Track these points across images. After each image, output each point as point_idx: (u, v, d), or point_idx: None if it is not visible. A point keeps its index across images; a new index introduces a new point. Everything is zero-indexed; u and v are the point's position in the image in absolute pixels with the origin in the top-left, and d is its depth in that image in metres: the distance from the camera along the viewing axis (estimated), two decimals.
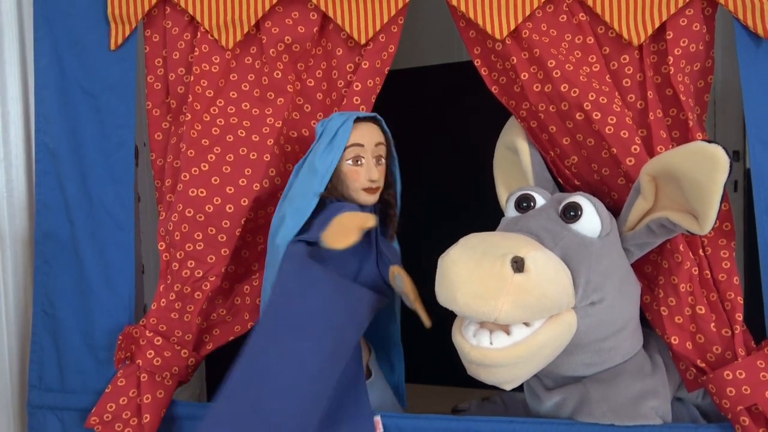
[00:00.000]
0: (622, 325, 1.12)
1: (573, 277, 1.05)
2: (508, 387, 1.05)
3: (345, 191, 1.20)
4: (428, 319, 1.10)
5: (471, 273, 0.97)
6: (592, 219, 1.10)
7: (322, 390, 1.07)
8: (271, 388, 1.04)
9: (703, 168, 0.97)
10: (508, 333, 1.01)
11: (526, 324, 1.02)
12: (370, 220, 1.08)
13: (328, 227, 1.08)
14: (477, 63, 1.32)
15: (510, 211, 1.22)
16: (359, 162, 1.19)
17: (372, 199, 1.21)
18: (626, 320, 1.13)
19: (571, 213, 1.11)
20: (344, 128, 1.18)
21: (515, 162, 1.35)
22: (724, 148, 0.97)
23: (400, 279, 1.11)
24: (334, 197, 1.20)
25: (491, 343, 1.00)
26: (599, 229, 1.10)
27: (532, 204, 1.19)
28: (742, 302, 1.14)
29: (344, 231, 1.06)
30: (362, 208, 1.21)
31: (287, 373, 1.06)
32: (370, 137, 1.20)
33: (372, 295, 1.15)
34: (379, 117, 1.25)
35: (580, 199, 1.12)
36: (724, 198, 1.05)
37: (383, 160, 1.23)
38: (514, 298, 0.96)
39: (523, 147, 1.31)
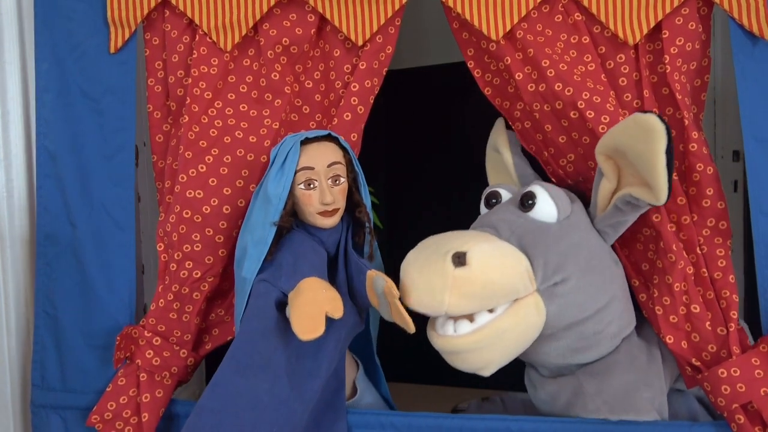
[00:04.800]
0: (601, 305, 1.12)
1: (531, 262, 1.10)
2: (485, 373, 1.10)
3: (303, 216, 1.19)
4: (410, 323, 1.05)
5: (419, 273, 1.06)
6: (546, 204, 1.15)
7: (278, 430, 1.09)
8: (230, 422, 1.07)
9: (642, 138, 1.01)
10: (471, 321, 1.07)
11: (491, 311, 1.07)
12: (336, 310, 1.04)
13: (294, 311, 1.04)
14: (470, 65, 1.33)
15: (482, 209, 1.28)
16: (311, 185, 1.15)
17: (330, 222, 1.17)
18: (604, 301, 1.13)
19: (529, 202, 1.16)
20: (293, 152, 1.15)
21: (502, 162, 1.40)
22: (659, 116, 1.00)
23: (380, 280, 1.07)
24: (300, 222, 1.20)
25: (455, 331, 1.07)
26: (555, 213, 1.15)
27: (499, 200, 1.25)
28: (737, 300, 1.13)
29: (312, 322, 1.02)
30: (324, 231, 1.19)
31: (244, 409, 1.08)
32: (321, 158, 1.15)
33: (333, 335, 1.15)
34: (334, 134, 1.20)
35: (535, 187, 1.18)
36: (674, 168, 1.06)
37: (342, 180, 1.17)
38: (458, 290, 1.03)
39: (504, 146, 1.38)
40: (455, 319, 1.08)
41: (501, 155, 1.39)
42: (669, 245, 1.14)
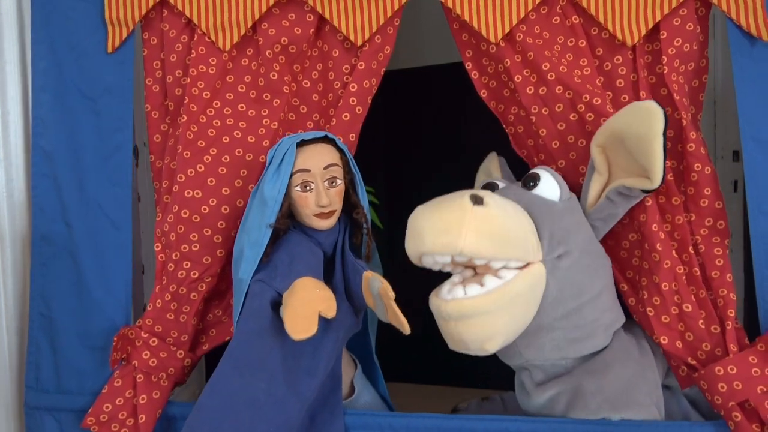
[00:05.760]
0: (597, 291, 1.14)
1: (537, 230, 1.11)
2: (490, 346, 1.07)
3: (300, 218, 1.18)
4: (406, 324, 1.03)
5: (433, 215, 1.04)
6: (550, 184, 1.18)
7: (275, 429, 1.08)
8: (229, 420, 1.06)
9: (642, 121, 1.06)
10: (481, 285, 1.05)
11: (498, 277, 1.06)
12: (330, 309, 1.03)
13: (287, 310, 1.03)
14: (468, 66, 1.33)
15: None
16: (308, 188, 1.14)
17: (326, 223, 1.17)
18: (599, 288, 1.15)
19: (531, 183, 1.19)
20: (289, 153, 1.14)
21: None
22: (656, 102, 1.07)
23: (376, 281, 1.05)
24: (296, 222, 1.20)
25: (465, 294, 1.04)
26: (558, 192, 1.18)
27: (496, 189, 1.25)
28: (734, 299, 1.13)
29: (305, 322, 1.01)
30: (321, 232, 1.19)
31: (242, 407, 1.07)
32: (317, 160, 1.15)
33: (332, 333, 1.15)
34: (331, 136, 1.19)
35: (538, 169, 1.21)
36: (667, 155, 1.09)
37: (338, 181, 1.17)
38: (476, 226, 1.01)
39: (496, 171, 1.42)
40: (465, 284, 1.06)
41: (492, 179, 1.40)
42: (653, 245, 1.15)
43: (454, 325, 1.06)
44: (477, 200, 1.03)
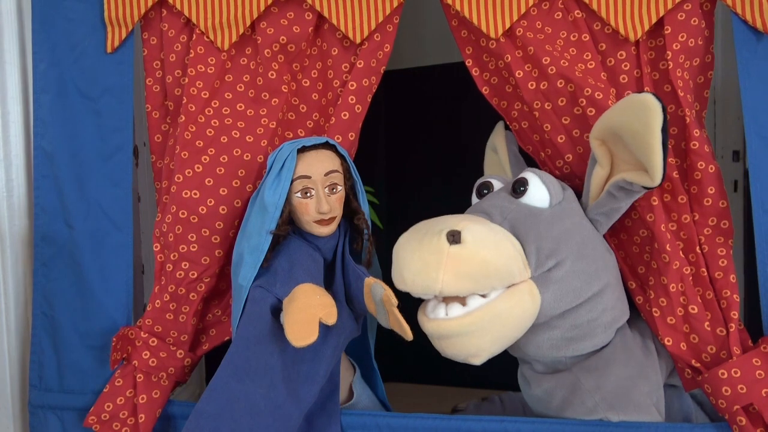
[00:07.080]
0: (594, 292, 1.11)
1: (523, 247, 1.10)
2: (476, 361, 1.08)
3: (300, 224, 1.18)
4: (408, 330, 1.03)
5: (414, 253, 1.05)
6: (538, 190, 1.15)
7: None
8: (228, 426, 1.06)
9: (638, 116, 1.01)
10: (464, 305, 1.05)
11: (483, 296, 1.06)
12: (330, 316, 1.03)
13: (288, 317, 1.03)
14: (468, 63, 1.32)
15: (473, 200, 1.27)
16: (308, 194, 1.14)
17: (327, 230, 1.16)
18: (598, 287, 1.12)
19: (520, 188, 1.16)
20: (290, 160, 1.14)
21: (499, 162, 1.41)
22: (654, 94, 1.00)
23: (379, 287, 1.05)
24: (296, 228, 1.20)
25: (446, 314, 1.05)
26: (548, 198, 1.15)
27: (491, 189, 1.25)
28: (738, 300, 1.11)
29: (305, 328, 1.00)
30: (321, 238, 1.18)
31: (242, 413, 1.07)
32: (318, 167, 1.14)
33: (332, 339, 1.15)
34: (332, 142, 1.19)
35: (527, 174, 1.18)
36: (669, 152, 1.06)
37: (339, 188, 1.17)
38: (454, 268, 1.01)
39: (501, 145, 1.38)
40: (447, 302, 1.07)
41: (498, 155, 1.40)
42: (663, 245, 1.13)
43: (438, 342, 1.08)
44: (455, 239, 1.02)
